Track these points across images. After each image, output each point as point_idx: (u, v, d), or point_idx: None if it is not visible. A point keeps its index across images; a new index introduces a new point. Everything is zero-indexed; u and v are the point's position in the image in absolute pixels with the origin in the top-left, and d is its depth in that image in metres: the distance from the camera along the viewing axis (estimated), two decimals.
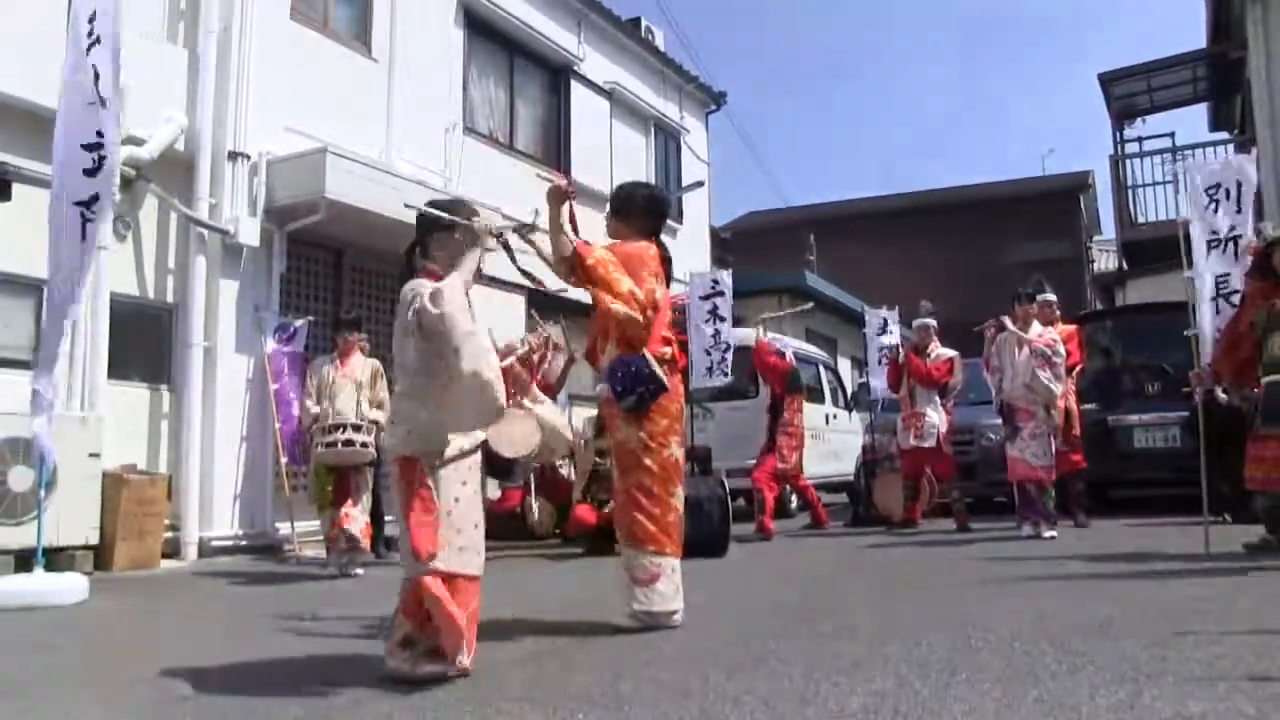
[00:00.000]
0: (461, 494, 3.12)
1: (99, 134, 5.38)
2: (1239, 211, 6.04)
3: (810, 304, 10.37)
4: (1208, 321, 6.02)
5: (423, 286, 3.06)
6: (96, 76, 5.37)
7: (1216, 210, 6.07)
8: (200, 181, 8.01)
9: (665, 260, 4.15)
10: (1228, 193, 6.05)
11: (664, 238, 4.32)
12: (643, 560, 3.85)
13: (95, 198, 5.38)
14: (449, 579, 3.03)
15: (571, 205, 4.00)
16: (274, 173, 8.33)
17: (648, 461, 3.88)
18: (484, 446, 3.32)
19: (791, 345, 11.97)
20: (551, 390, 8.42)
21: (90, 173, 5.38)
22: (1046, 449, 7.32)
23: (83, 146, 5.35)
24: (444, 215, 3.27)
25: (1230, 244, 6.02)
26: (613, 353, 3.95)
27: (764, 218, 27.52)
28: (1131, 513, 8.73)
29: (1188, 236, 6.16)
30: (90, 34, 5.38)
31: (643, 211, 4.19)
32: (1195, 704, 2.44)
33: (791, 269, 19.35)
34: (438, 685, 2.96)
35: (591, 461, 7.69)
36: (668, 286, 4.15)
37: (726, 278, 9.06)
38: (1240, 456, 5.65)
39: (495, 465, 7.28)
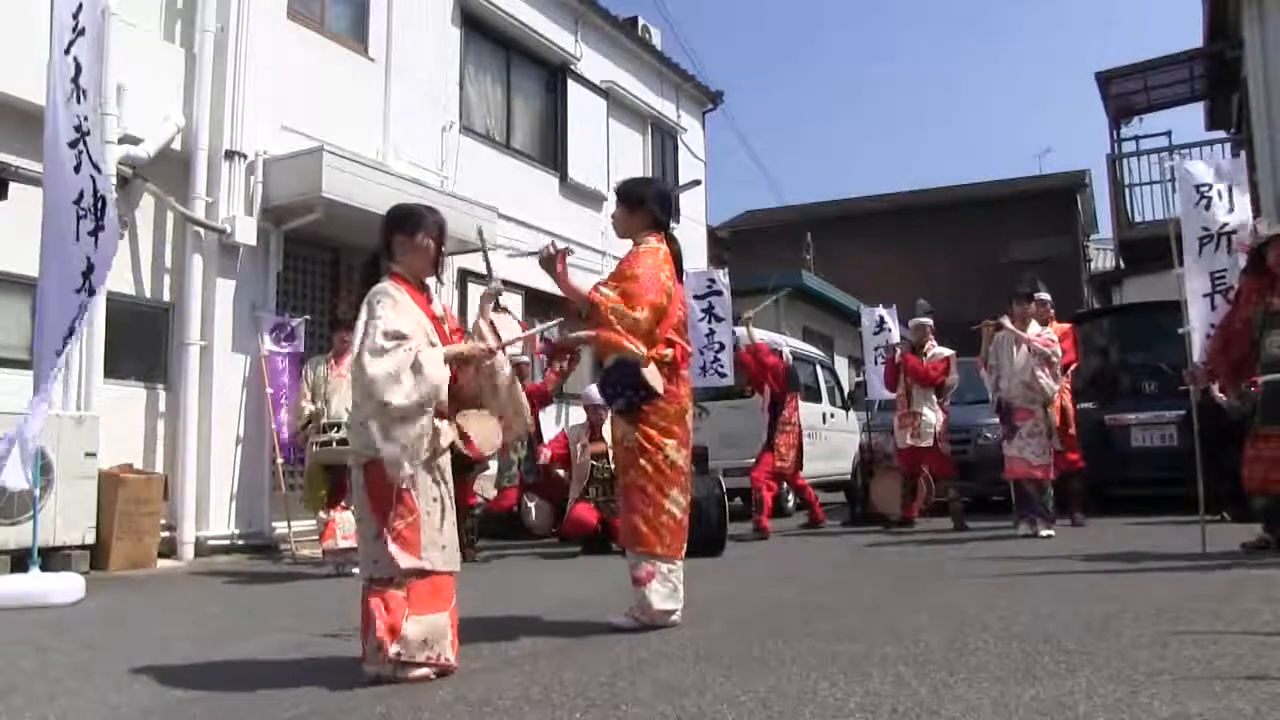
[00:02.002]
0: (439, 493, 3.14)
1: (76, 129, 5.33)
2: (1231, 210, 6.07)
3: (775, 296, 10.27)
4: (1199, 319, 6.04)
5: (383, 302, 3.10)
6: (79, 70, 5.32)
7: (1208, 207, 6.10)
8: (197, 180, 8.00)
9: (676, 256, 4.15)
10: (1220, 193, 6.09)
11: None
12: (639, 560, 3.87)
13: (82, 194, 5.33)
14: (428, 576, 3.04)
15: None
16: (271, 172, 8.33)
17: (642, 461, 3.88)
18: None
19: (789, 344, 11.99)
20: (546, 394, 8.40)
21: (77, 168, 5.33)
22: (1045, 447, 7.33)
23: (69, 144, 5.32)
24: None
25: (1225, 239, 6.04)
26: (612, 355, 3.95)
27: (761, 217, 27.51)
28: (1129, 512, 8.73)
29: (1179, 235, 6.18)
30: (75, 28, 5.32)
31: (651, 206, 4.17)
32: (1193, 703, 2.44)
33: (789, 268, 19.35)
34: (439, 685, 2.96)
35: (589, 465, 7.69)
36: (679, 283, 4.16)
37: (723, 277, 9.06)
38: (1237, 455, 5.66)
39: (461, 459, 7.32)
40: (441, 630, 3.06)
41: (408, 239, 3.29)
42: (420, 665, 3.02)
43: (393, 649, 2.98)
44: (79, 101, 5.33)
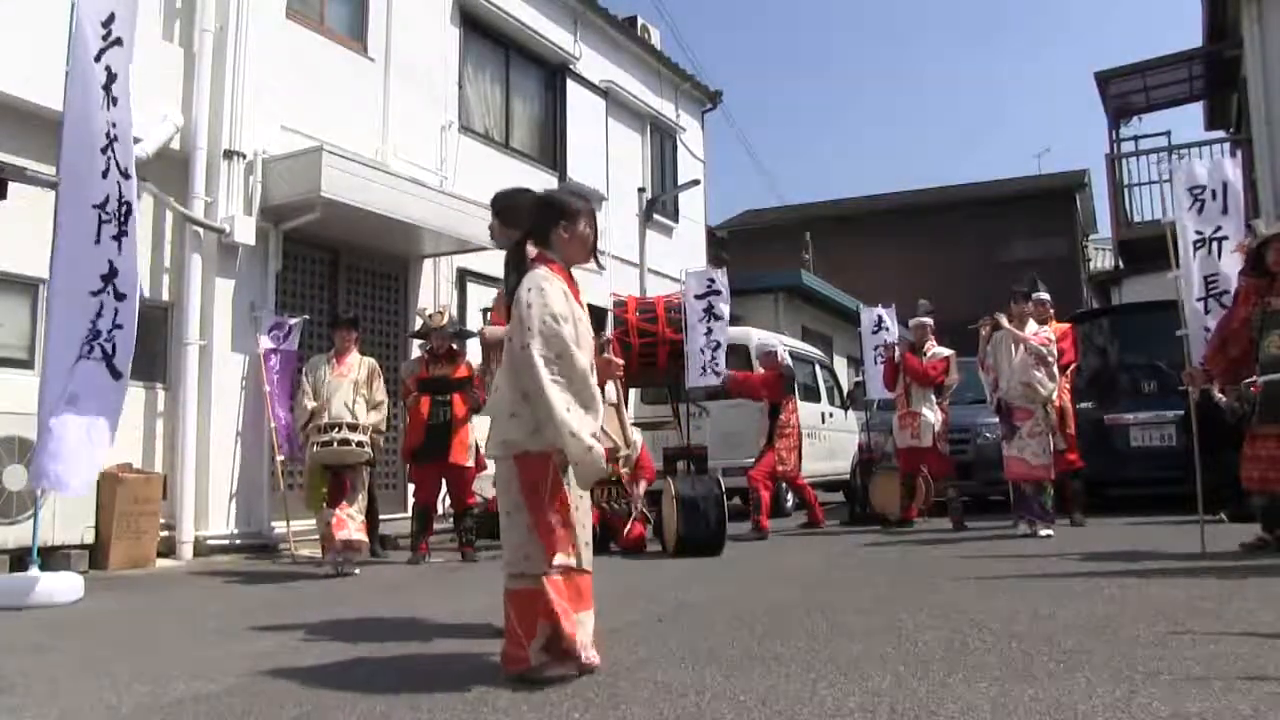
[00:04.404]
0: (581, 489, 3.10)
1: (107, 135, 5.43)
2: (1225, 212, 6.07)
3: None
4: (1195, 321, 6.04)
5: (544, 287, 3.00)
6: (113, 78, 5.44)
7: (1200, 211, 6.11)
8: (196, 180, 7.99)
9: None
10: (1213, 194, 6.09)
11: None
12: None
13: (107, 199, 5.43)
14: (577, 574, 3.02)
15: None
16: (270, 171, 8.32)
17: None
18: None
19: (788, 344, 11.99)
20: None
21: (105, 174, 5.43)
22: (1045, 447, 7.33)
23: (100, 150, 5.41)
24: None
25: (1216, 244, 6.05)
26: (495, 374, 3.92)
27: (761, 216, 27.53)
28: (1128, 512, 8.74)
29: (1175, 236, 6.19)
30: (106, 37, 5.44)
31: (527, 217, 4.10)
32: (1192, 703, 2.44)
33: (789, 268, 19.36)
34: (438, 685, 2.96)
35: None
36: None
37: (722, 276, 9.05)
38: (1236, 455, 5.66)
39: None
40: (589, 628, 3.05)
41: (571, 227, 3.19)
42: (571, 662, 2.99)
43: (578, 647, 2.96)
44: (108, 109, 5.43)
